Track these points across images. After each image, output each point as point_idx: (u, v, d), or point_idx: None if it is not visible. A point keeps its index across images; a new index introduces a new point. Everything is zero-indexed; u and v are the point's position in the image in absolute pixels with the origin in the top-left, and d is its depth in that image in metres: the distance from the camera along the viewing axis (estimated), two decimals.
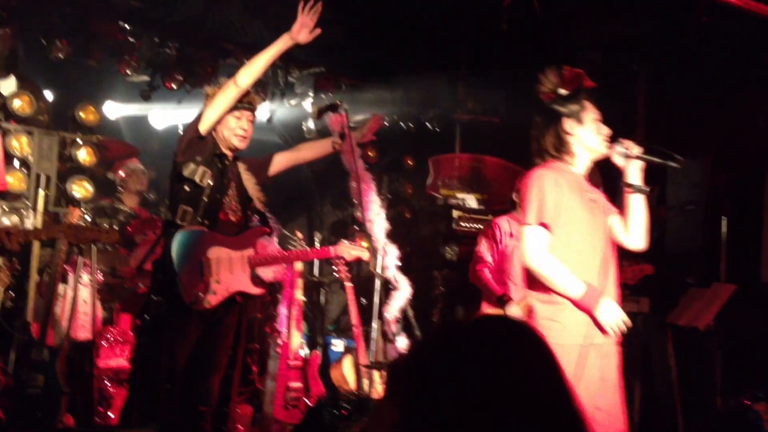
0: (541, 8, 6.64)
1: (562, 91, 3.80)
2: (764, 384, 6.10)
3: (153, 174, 7.48)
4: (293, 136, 7.96)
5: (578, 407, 1.56)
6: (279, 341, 6.13)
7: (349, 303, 6.31)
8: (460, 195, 7.72)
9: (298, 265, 6.14)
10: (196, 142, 4.41)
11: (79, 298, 5.91)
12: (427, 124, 8.18)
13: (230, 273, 4.45)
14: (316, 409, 4.97)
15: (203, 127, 4.39)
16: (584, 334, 3.56)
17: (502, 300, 5.52)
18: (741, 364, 6.50)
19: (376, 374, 5.54)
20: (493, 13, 6.78)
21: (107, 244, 5.87)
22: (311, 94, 7.49)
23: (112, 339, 6.00)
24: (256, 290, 4.62)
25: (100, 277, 6.10)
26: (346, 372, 6.30)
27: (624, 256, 4.28)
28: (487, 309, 5.74)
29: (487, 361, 1.53)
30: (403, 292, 5.49)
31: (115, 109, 7.96)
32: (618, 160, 3.80)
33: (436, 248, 7.40)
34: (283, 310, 6.26)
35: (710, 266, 6.72)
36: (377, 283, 5.05)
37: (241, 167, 4.64)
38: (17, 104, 6.58)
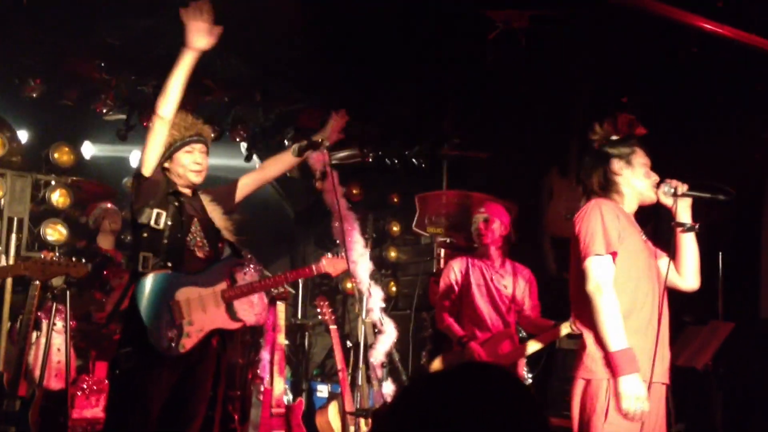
0: (527, 41, 6.71)
1: (614, 137, 3.93)
2: (765, 425, 6.09)
3: (128, 215, 7.46)
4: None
5: None
6: (261, 388, 6.08)
7: (334, 346, 6.28)
8: (447, 233, 7.73)
9: (281, 309, 6.12)
10: (146, 187, 4.41)
11: (53, 346, 5.85)
12: (413, 160, 8.19)
13: (203, 312, 4.39)
14: None
15: (147, 170, 4.38)
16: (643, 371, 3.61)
17: (462, 342, 5.53)
18: (741, 404, 6.48)
19: (362, 422, 5.50)
20: (479, 47, 6.84)
21: (81, 288, 5.83)
22: (292, 130, 7.51)
23: (87, 388, 5.94)
24: (233, 325, 4.53)
25: (74, 323, 6.05)
26: (332, 419, 6.24)
27: None
28: (449, 353, 5.76)
29: (471, 410, 1.52)
30: (388, 336, 5.46)
31: (91, 150, 7.95)
32: (665, 200, 3.86)
33: (424, 288, 7.39)
34: (265, 354, 6.21)
35: (707, 303, 6.72)
36: (362, 327, 5.02)
37: (205, 199, 4.62)
38: None
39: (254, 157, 7.63)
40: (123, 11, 6.49)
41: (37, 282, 5.06)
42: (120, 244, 7.33)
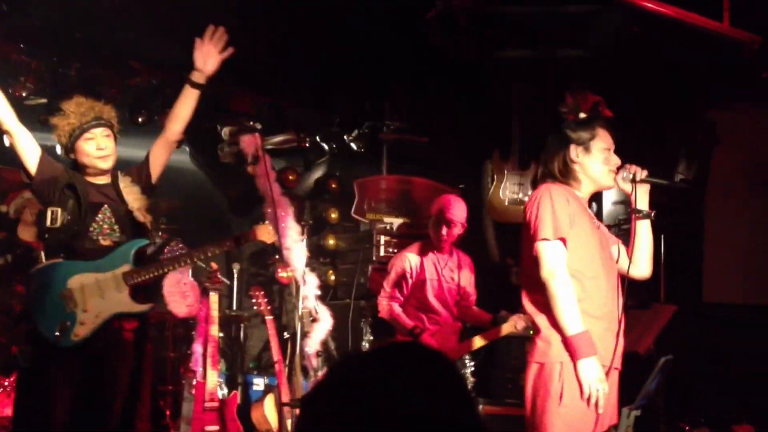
0: (470, 23, 6.73)
1: (582, 115, 3.96)
2: (706, 408, 6.23)
3: None
4: (207, 160, 7.90)
5: None
6: (193, 382, 6.04)
7: (270, 337, 6.27)
8: (387, 219, 7.74)
9: (214, 300, 6.08)
10: (39, 188, 4.41)
11: None
12: (351, 144, 8.18)
13: (101, 298, 4.33)
14: None
15: (32, 171, 4.41)
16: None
17: (414, 333, 5.60)
18: (684, 388, 6.61)
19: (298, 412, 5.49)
20: (420, 27, 6.85)
21: (1, 281, 5.73)
22: (225, 114, 7.43)
23: (8, 385, 5.85)
24: (139, 308, 4.44)
25: None
26: (268, 412, 6.24)
27: None
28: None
29: (395, 391, 1.52)
30: (324, 324, 5.47)
31: None
32: (624, 186, 3.92)
33: (364, 276, 7.40)
34: (197, 347, 6.17)
35: (650, 287, 6.85)
36: (297, 315, 5.01)
37: (125, 181, 4.57)
38: None
39: (184, 143, 7.55)
40: None
41: None
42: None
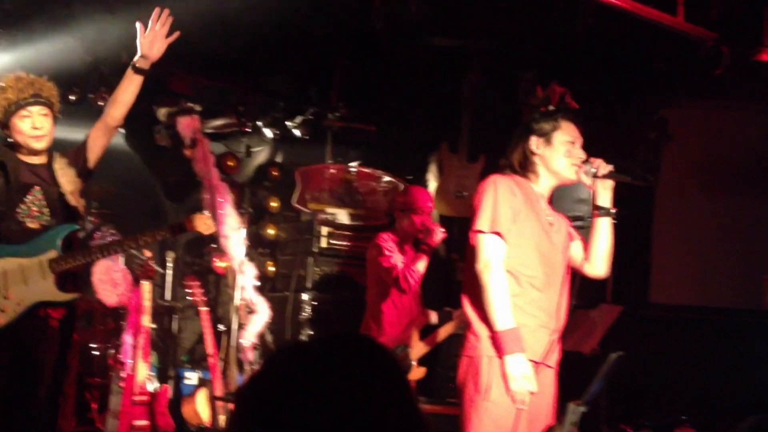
0: (418, 7, 6.75)
1: (550, 107, 3.98)
2: (649, 410, 6.33)
3: None
4: (143, 143, 7.81)
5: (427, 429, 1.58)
6: (122, 374, 5.98)
7: (205, 330, 6.23)
8: (330, 210, 7.73)
9: (146, 288, 6.02)
10: None
11: None
12: (294, 130, 8.15)
13: (24, 285, 4.28)
14: None
15: None
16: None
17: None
18: (627, 389, 6.71)
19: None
20: (367, 13, 6.85)
21: None
22: (162, 96, 7.36)
23: None
24: (64, 297, 4.40)
25: None
26: (200, 407, 6.20)
27: None
28: (394, 325, 5.91)
29: (334, 386, 1.52)
30: (261, 316, 5.45)
31: None
32: (586, 180, 3.91)
33: (304, 268, 7.38)
34: (127, 338, 6.11)
35: (596, 286, 6.93)
36: (233, 307, 4.99)
37: (61, 163, 4.52)
38: None
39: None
40: None
41: None
42: None
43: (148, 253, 6.29)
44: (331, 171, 8.00)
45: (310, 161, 8.14)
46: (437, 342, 6.00)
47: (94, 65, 7.07)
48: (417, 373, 6.10)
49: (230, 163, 7.87)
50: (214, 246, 7.74)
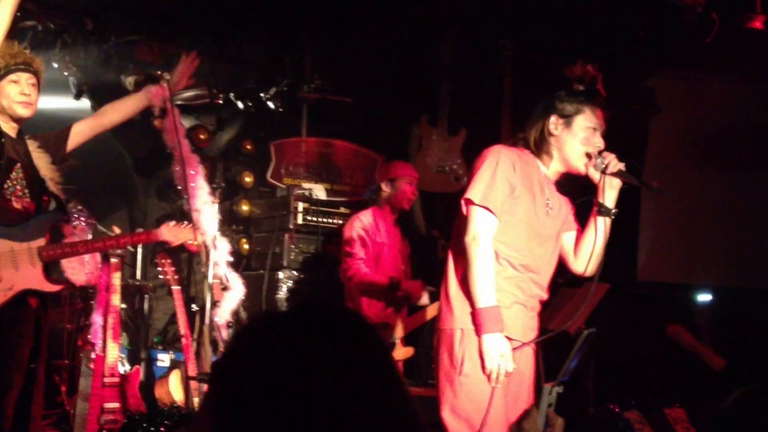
0: None
1: (580, 87, 3.93)
2: (638, 390, 6.37)
3: None
4: None
5: (412, 407, 1.56)
6: (92, 355, 5.95)
7: (177, 309, 6.22)
8: (306, 185, 7.71)
9: (116, 265, 5.99)
10: None
11: None
12: (268, 103, 8.10)
13: (14, 269, 4.30)
14: (127, 427, 4.87)
15: None
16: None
17: (394, 285, 5.85)
18: (614, 368, 6.76)
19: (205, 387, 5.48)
20: None
21: None
22: (130, 65, 7.29)
23: None
24: (51, 287, 4.45)
25: None
26: (173, 389, 6.20)
27: None
28: (373, 304, 6.03)
29: (304, 355, 1.50)
30: (235, 293, 5.43)
31: None
32: (594, 175, 3.88)
33: (279, 245, 7.36)
34: (97, 318, 6.07)
35: None
36: (207, 284, 4.98)
37: (32, 145, 4.53)
38: None
39: (85, 95, 7.38)
40: None
41: None
42: None
43: (117, 230, 6.26)
44: (307, 145, 7.98)
45: (285, 135, 8.10)
46: (425, 320, 6.05)
47: (58, 33, 6.99)
48: (402, 352, 6.13)
49: (202, 137, 7.81)
50: (187, 222, 7.72)
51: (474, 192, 3.77)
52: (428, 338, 6.84)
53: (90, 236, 6.56)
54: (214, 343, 5.65)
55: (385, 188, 6.31)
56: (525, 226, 3.84)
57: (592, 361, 6.60)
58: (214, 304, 5.60)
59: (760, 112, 7.51)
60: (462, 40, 7.86)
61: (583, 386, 6.42)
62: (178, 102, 7.01)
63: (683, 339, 6.36)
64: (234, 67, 7.99)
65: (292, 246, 7.32)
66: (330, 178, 7.93)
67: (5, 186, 4.34)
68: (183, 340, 6.15)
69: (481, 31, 7.66)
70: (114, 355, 5.86)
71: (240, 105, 8.07)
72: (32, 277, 4.37)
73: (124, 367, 6.19)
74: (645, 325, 7.29)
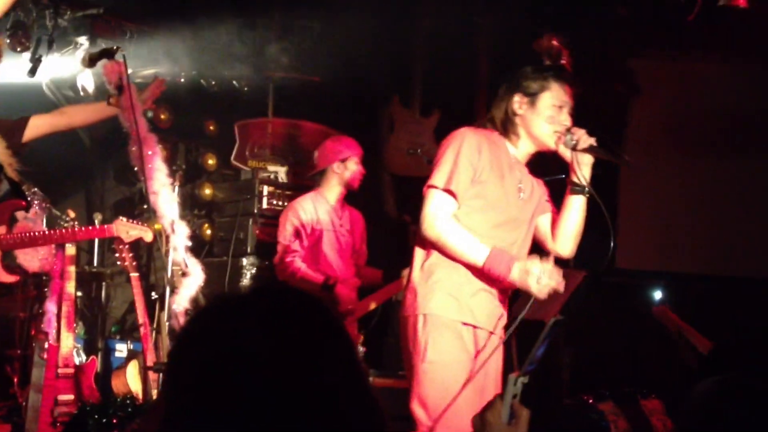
0: None
1: (547, 62, 3.93)
2: (614, 381, 6.41)
3: None
4: (67, 94, 7.67)
5: (371, 393, 1.57)
6: (45, 345, 5.90)
7: (136, 297, 6.17)
8: (272, 167, 7.68)
9: (71, 251, 5.93)
10: None
11: None
12: (233, 82, 8.06)
13: None
14: (78, 417, 4.84)
15: None
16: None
17: (328, 286, 5.68)
18: (590, 358, 6.79)
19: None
20: None
21: None
22: (87, 41, 7.22)
23: None
24: (8, 278, 4.45)
25: None
26: (130, 380, 6.18)
27: None
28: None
29: (268, 333, 1.51)
30: (194, 279, 5.40)
31: None
32: (564, 152, 3.87)
33: (244, 231, 7.33)
34: (51, 306, 6.02)
35: None
36: (167, 271, 4.96)
37: None
38: None
39: (38, 71, 7.30)
40: None
41: None
42: None
43: (72, 213, 6.21)
44: (273, 125, 7.94)
45: (250, 115, 8.06)
46: (382, 301, 6.04)
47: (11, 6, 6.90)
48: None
49: (162, 117, 7.76)
50: (145, 207, 7.67)
51: (437, 177, 3.77)
52: (398, 327, 6.85)
53: (44, 220, 6.51)
54: (172, 332, 5.62)
55: (337, 170, 6.27)
56: (494, 211, 3.83)
57: (568, 351, 6.63)
58: (173, 291, 5.57)
59: (743, 93, 7.54)
60: (436, 17, 7.83)
61: (558, 377, 6.45)
62: (137, 80, 6.97)
63: (669, 319, 6.42)
64: (198, 44, 7.93)
65: (257, 231, 7.28)
66: (297, 161, 7.89)
67: None
68: (141, 329, 6.10)
69: (456, 9, 7.64)
70: (68, 344, 5.80)
71: (203, 83, 8.02)
72: None
73: (79, 358, 6.15)
74: (622, 314, 7.33)
